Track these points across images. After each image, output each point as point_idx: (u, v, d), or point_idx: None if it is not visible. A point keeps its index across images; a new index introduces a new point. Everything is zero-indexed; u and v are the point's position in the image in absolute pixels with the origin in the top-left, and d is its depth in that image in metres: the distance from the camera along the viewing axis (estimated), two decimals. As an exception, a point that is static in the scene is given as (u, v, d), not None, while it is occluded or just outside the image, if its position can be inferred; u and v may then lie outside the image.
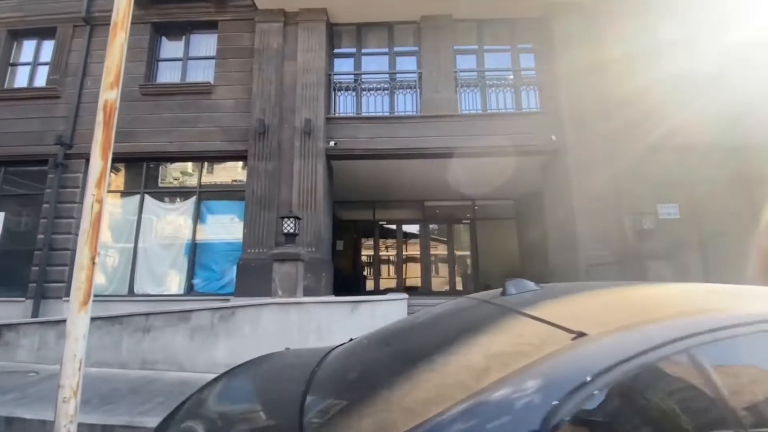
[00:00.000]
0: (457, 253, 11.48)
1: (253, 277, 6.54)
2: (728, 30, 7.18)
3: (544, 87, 7.80)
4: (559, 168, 7.39)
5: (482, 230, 11.48)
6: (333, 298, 4.93)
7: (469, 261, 11.35)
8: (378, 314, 5.27)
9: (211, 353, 4.76)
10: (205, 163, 7.90)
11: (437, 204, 11.58)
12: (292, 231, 5.17)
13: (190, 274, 7.28)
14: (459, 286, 11.23)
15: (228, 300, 6.57)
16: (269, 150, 7.24)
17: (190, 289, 7.20)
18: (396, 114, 7.68)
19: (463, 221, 11.47)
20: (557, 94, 7.45)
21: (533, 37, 8.28)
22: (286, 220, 5.23)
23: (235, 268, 6.98)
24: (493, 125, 7.50)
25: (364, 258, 12.21)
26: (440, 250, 11.87)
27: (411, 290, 11.21)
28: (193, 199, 7.65)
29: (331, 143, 7.41)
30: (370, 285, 11.55)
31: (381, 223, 11.55)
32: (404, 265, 11.47)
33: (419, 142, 7.41)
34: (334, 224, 10.92)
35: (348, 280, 12.35)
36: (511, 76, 8.03)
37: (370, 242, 11.79)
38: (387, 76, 8.04)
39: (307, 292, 5.75)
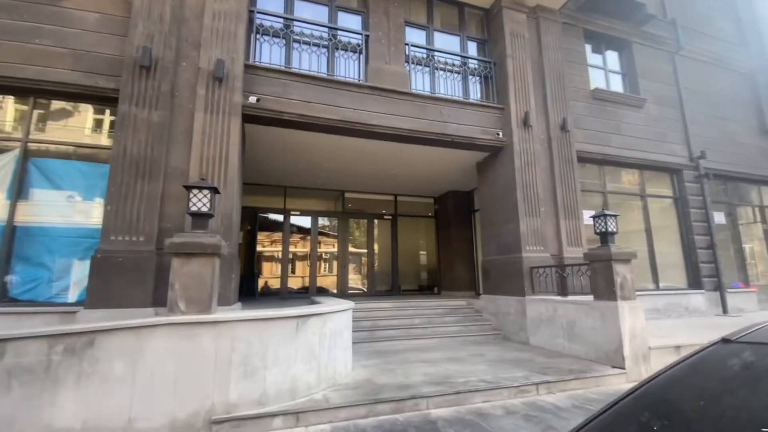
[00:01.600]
0: (377, 251, 10.53)
1: (122, 280, 4.30)
2: None
3: (493, 80, 7.41)
4: (504, 166, 7.06)
5: (403, 228, 10.79)
6: (267, 312, 3.33)
7: (389, 260, 10.51)
8: (329, 331, 3.85)
9: (47, 416, 2.66)
10: (41, 101, 5.09)
11: (358, 196, 10.42)
12: (206, 209, 3.33)
13: (2, 271, 4.52)
14: (380, 287, 10.28)
15: (74, 314, 4.19)
16: (156, 94, 4.98)
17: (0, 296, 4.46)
18: (337, 78, 6.25)
19: (385, 216, 10.59)
20: (506, 88, 7.12)
21: (482, 27, 7.88)
22: (195, 192, 3.35)
23: (85, 264, 4.57)
24: (446, 112, 6.74)
25: (267, 253, 10.23)
26: (359, 247, 10.73)
27: (323, 292, 9.80)
28: (11, 157, 4.82)
29: (252, 99, 5.56)
30: (275, 284, 9.67)
31: (293, 213, 9.79)
32: (318, 263, 9.96)
33: (367, 117, 6.15)
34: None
35: (244, 282, 10.25)
36: (461, 64, 7.42)
37: (278, 235, 9.91)
38: (326, 31, 6.53)
39: (218, 301, 3.94)
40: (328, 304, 4.30)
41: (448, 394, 3.62)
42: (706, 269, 8.32)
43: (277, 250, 10.31)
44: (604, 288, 4.81)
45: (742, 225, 9.55)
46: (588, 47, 8.57)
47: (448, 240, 10.24)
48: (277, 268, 9.82)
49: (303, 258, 9.99)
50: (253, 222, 10.65)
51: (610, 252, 4.73)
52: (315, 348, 3.60)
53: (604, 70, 8.74)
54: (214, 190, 3.45)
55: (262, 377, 3.18)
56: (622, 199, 8.35)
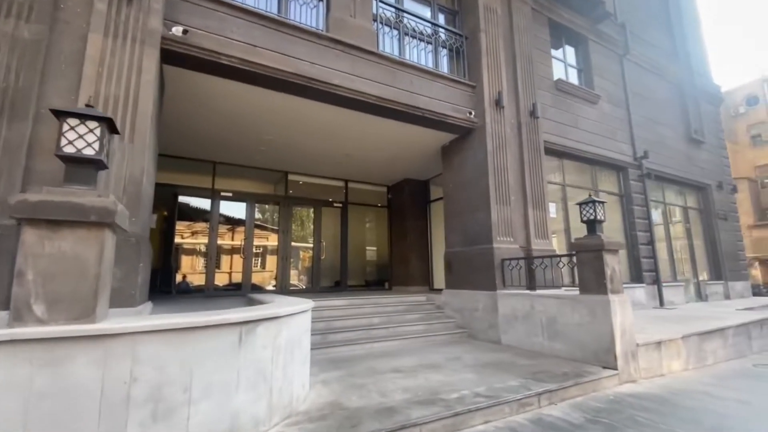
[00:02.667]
0: (324, 242, 9.39)
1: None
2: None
3: (464, 55, 6.77)
4: (473, 149, 6.47)
5: (354, 218, 9.79)
6: (192, 318, 2.17)
7: (337, 253, 9.44)
8: (285, 341, 2.77)
9: None
10: None
11: (305, 180, 9.18)
12: (92, 153, 2.02)
13: None
14: (325, 282, 9.16)
15: None
16: (29, 1, 3.41)
17: None
18: (292, 21, 5.05)
19: (335, 204, 9.49)
20: (479, 64, 6.53)
21: (452, -3, 7.22)
22: (75, 124, 2.03)
23: None
24: (417, 83, 5.92)
25: (190, 244, 8.52)
26: (304, 238, 9.48)
27: (259, 289, 8.45)
28: None
29: (176, 30, 4.16)
30: (198, 280, 8.05)
31: (224, 195, 8.23)
32: (256, 256, 8.52)
33: (327, 75, 5.06)
34: None
35: (158, 277, 8.48)
36: (432, 32, 6.66)
37: (204, 222, 8.27)
38: (279, -35, 5.29)
39: (115, 301, 2.62)
40: (282, 304, 3.22)
41: (445, 418, 2.78)
42: (646, 264, 8.67)
43: (201, 240, 8.67)
44: (593, 281, 4.37)
45: (671, 224, 10.26)
46: (551, 38, 8.41)
47: (402, 232, 9.51)
48: (200, 262, 8.20)
49: (236, 250, 8.48)
50: (171, 204, 8.87)
51: (601, 241, 4.30)
52: (266, 367, 2.51)
53: (564, 63, 8.67)
54: (108, 124, 2.15)
55: (185, 417, 2.03)
56: (577, 193, 8.32)
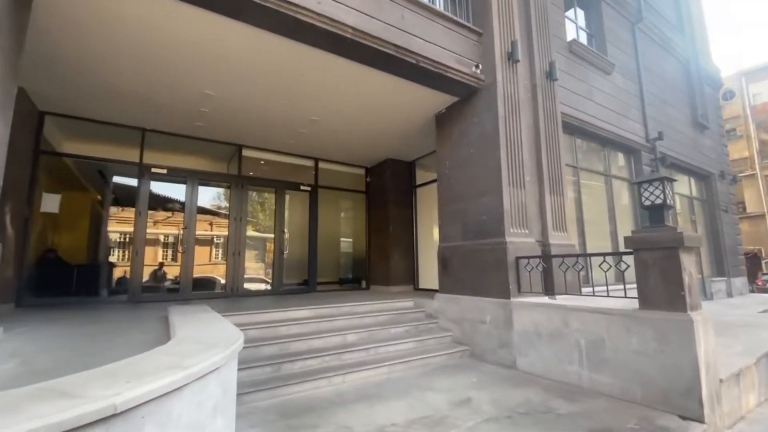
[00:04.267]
0: (289, 233, 7.77)
1: None
2: None
3: (468, -6, 5.29)
4: (480, 115, 5.04)
5: (326, 204, 8.20)
6: None
7: (305, 246, 7.83)
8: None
9: None
10: None
11: (264, 156, 7.48)
12: None
13: None
14: (290, 280, 7.56)
15: None
16: None
17: None
18: None
19: (302, 188, 7.83)
20: (487, 7, 5.08)
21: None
22: None
23: None
24: (409, 19, 4.39)
25: (113, 233, 6.70)
26: (263, 227, 7.82)
27: (205, 287, 6.81)
28: None
29: None
30: (118, 273, 6.26)
31: (156, 171, 6.40)
32: (201, 249, 6.80)
33: (285, -14, 3.44)
34: (37, 157, 5.35)
35: (75, 275, 6.71)
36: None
37: (127, 206, 6.46)
38: None
39: None
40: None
41: None
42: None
43: (168, 228, 6.93)
44: (662, 291, 3.07)
45: (678, 215, 9.34)
46: (562, -7, 7.07)
47: (383, 221, 8.02)
48: (125, 254, 6.42)
49: (171, 241, 6.73)
50: (101, 185, 7.03)
51: (677, 235, 2.99)
52: None
53: (575, 25, 7.37)
54: None
55: None
56: (589, 178, 7.12)
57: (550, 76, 5.46)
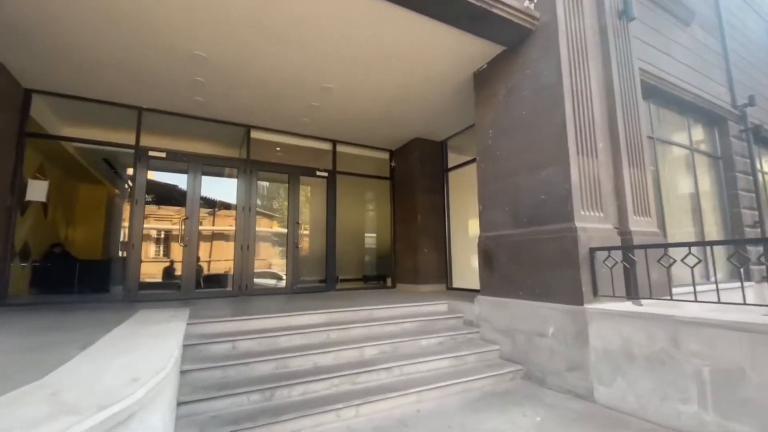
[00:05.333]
0: (304, 224, 6.92)
1: None
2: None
3: None
4: (533, 65, 3.90)
5: (345, 192, 7.27)
6: None
7: (322, 239, 6.96)
8: None
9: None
10: None
11: (275, 139, 6.65)
12: None
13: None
14: (308, 277, 6.74)
15: None
16: None
17: None
18: None
19: (318, 174, 6.95)
20: (542, -74, 3.91)
21: None
22: None
23: None
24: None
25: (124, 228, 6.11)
26: (275, 218, 7.04)
27: (213, 283, 6.11)
28: None
29: None
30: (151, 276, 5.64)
31: (153, 155, 5.70)
32: (209, 242, 6.10)
33: None
34: (21, 140, 4.78)
35: (77, 271, 6.24)
36: None
37: (114, 197, 5.82)
38: None
39: None
40: None
41: None
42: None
43: (169, 223, 6.28)
44: None
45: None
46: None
47: (410, 210, 7.00)
48: (149, 250, 5.78)
49: (173, 235, 6.03)
50: (109, 172, 6.51)
51: None
52: None
53: (645, -36, 5.99)
54: None
55: None
56: (667, 152, 5.76)
57: (625, 14, 4.22)
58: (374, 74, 4.72)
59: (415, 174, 6.95)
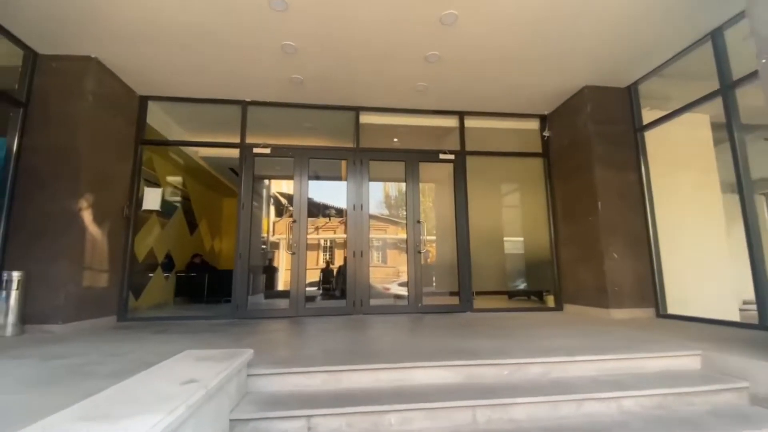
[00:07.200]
0: (427, 222, 5.39)
1: None
2: None
3: None
4: None
5: (478, 178, 5.47)
6: None
7: (451, 241, 5.31)
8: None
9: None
10: None
11: (386, 121, 5.37)
12: None
13: None
14: (438, 289, 5.25)
15: None
16: None
17: None
18: None
19: (442, 157, 5.35)
20: None
21: None
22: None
23: None
24: None
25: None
26: (391, 216, 5.78)
27: (309, 299, 5.10)
28: None
29: None
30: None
31: (257, 152, 5.05)
32: (315, 250, 5.22)
33: None
34: (138, 147, 4.57)
35: (206, 282, 6.17)
36: None
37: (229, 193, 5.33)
38: None
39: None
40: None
41: None
42: None
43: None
44: None
45: None
46: None
47: (582, 197, 4.75)
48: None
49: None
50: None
51: None
52: None
53: None
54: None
55: None
56: None
57: None
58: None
59: (586, 142, 4.69)
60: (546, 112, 5.46)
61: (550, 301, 5.23)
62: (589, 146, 4.61)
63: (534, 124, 5.58)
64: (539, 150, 5.50)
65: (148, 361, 2.25)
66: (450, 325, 3.78)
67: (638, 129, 4.60)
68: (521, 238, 6.25)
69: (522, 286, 6.10)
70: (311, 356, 2.46)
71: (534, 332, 3.31)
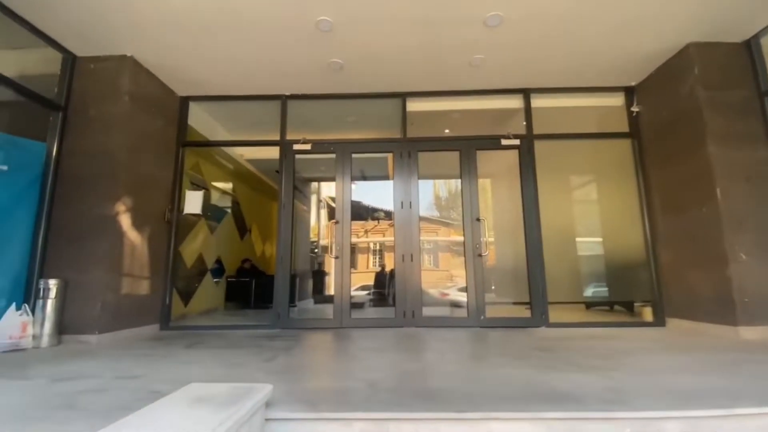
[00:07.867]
0: (489, 220, 4.64)
1: None
2: None
3: None
4: None
5: (548, 166, 4.62)
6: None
7: (520, 241, 4.52)
8: None
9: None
10: None
11: (436, 106, 4.76)
12: None
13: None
14: (502, 298, 4.54)
15: None
16: None
17: None
18: None
19: (504, 142, 4.59)
20: None
21: None
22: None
23: None
24: None
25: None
26: (444, 215, 5.16)
27: (357, 306, 4.59)
28: None
29: None
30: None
31: (297, 148, 4.69)
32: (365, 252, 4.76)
33: None
34: (180, 149, 4.43)
35: (253, 288, 5.99)
36: None
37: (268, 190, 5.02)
38: None
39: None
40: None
41: None
42: None
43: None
44: None
45: None
46: None
47: (691, 184, 3.76)
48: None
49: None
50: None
51: None
52: None
53: None
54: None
55: None
56: None
57: None
58: None
59: (694, 113, 3.69)
60: (633, 83, 4.48)
61: (647, 314, 4.24)
62: (700, 118, 3.61)
63: (617, 99, 4.62)
64: (626, 129, 4.53)
65: (154, 389, 1.86)
66: (526, 347, 3.04)
67: (765, 93, 3.53)
68: (599, 238, 5.27)
69: (605, 293, 5.12)
70: (351, 391, 1.92)
71: (646, 361, 2.49)
